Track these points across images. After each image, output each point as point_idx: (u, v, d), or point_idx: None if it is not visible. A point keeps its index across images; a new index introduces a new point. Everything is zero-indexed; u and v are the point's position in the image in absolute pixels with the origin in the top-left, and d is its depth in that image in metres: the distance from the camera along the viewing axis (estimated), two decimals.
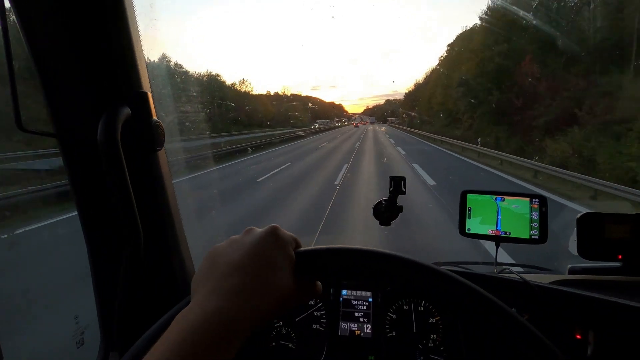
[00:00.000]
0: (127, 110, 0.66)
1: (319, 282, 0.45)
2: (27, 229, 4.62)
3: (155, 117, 0.75)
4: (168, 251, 0.85)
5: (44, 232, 4.62)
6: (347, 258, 0.43)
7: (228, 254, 0.40)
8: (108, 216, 0.74)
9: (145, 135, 0.73)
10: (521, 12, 17.82)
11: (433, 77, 37.26)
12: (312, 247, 0.43)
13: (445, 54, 37.29)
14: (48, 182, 5.70)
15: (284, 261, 0.40)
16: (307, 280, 0.43)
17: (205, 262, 0.41)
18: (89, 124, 0.64)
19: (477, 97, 21.21)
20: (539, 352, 0.36)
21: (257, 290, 0.37)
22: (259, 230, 0.43)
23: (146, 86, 0.74)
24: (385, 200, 0.96)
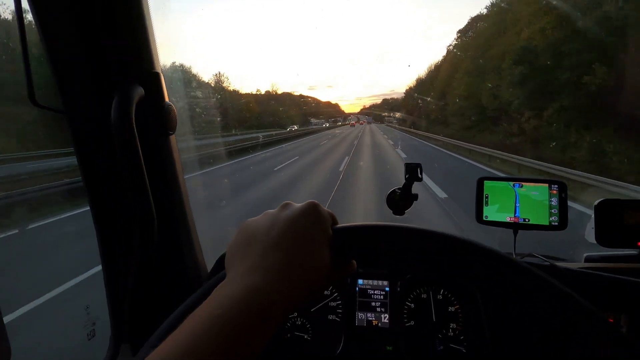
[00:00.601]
0: (140, 90, 0.63)
1: (354, 261, 0.43)
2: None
3: (167, 100, 0.72)
4: (179, 241, 0.82)
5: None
6: (386, 235, 0.40)
7: (264, 229, 0.38)
8: (120, 202, 0.71)
9: (158, 118, 0.70)
10: None
11: (446, 67, 29.45)
12: (351, 224, 0.41)
13: (456, 42, 31.69)
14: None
15: (322, 239, 0.39)
16: (343, 258, 0.41)
17: (240, 237, 0.39)
18: (100, 101, 0.62)
19: (552, 80, 12.00)
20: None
21: (296, 268, 0.36)
22: (296, 205, 0.41)
23: (158, 67, 0.71)
24: (399, 188, 0.94)
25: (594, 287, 0.65)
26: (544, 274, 0.37)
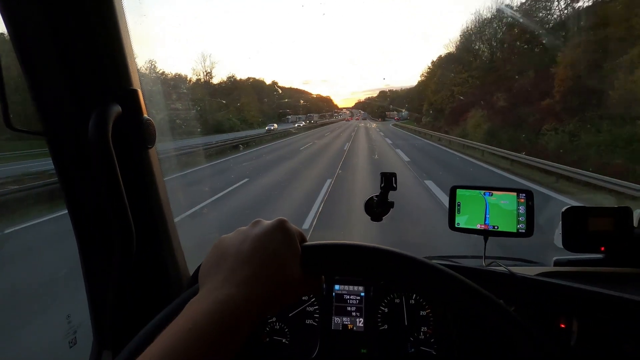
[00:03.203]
0: (117, 108, 0.66)
1: (322, 277, 0.46)
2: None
3: (146, 115, 0.75)
4: (161, 250, 0.85)
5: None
6: (352, 254, 0.43)
7: (236, 245, 0.41)
8: (99, 215, 0.73)
9: (137, 133, 0.72)
10: None
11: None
12: (318, 242, 0.44)
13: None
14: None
15: (291, 254, 0.41)
16: (312, 274, 0.44)
17: (214, 252, 0.42)
18: (78, 122, 0.64)
19: None
20: (523, 336, 0.38)
21: (266, 281, 0.38)
22: (266, 222, 0.43)
23: (136, 84, 0.73)
24: (376, 196, 0.97)
25: (547, 294, 0.70)
26: (480, 287, 0.40)
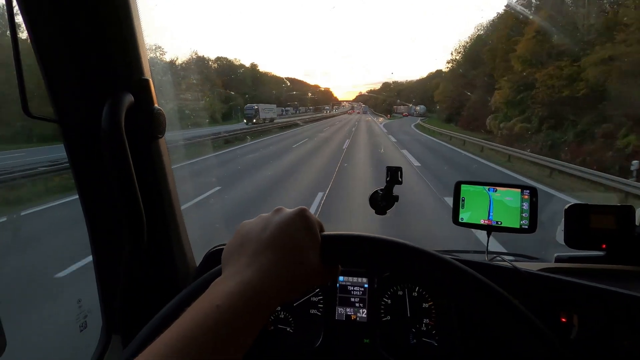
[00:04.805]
0: (130, 98, 0.66)
1: (339, 266, 0.47)
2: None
3: (156, 105, 0.75)
4: (169, 237, 0.86)
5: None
6: (371, 246, 0.44)
7: (257, 231, 0.42)
8: (110, 202, 0.74)
9: (147, 123, 0.73)
10: None
11: None
12: (338, 232, 0.45)
13: None
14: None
15: (311, 243, 0.42)
16: (330, 263, 0.45)
17: (237, 237, 0.43)
18: (91, 111, 0.64)
19: None
20: (533, 334, 0.39)
21: (285, 267, 0.40)
22: (288, 210, 0.44)
23: (147, 73, 0.74)
24: (381, 189, 0.98)
25: (549, 289, 0.71)
26: (493, 284, 0.41)
